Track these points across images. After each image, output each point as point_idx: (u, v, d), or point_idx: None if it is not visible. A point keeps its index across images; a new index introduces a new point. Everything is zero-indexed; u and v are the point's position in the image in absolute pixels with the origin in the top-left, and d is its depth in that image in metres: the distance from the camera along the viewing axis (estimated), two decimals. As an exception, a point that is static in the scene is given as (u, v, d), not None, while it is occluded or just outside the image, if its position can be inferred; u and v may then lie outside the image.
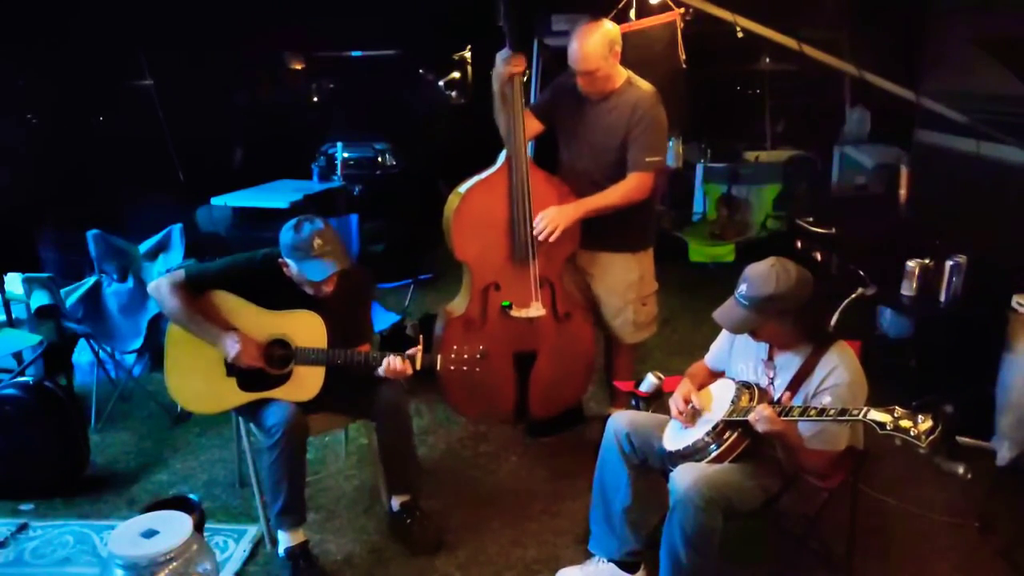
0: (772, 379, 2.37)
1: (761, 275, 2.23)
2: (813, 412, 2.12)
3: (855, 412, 2.03)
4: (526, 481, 3.24)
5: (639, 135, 3.02)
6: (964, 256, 3.37)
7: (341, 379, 2.68)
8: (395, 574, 2.68)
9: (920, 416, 1.91)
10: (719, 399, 2.38)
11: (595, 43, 2.92)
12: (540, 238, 3.02)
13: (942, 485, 3.12)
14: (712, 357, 2.64)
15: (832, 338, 2.32)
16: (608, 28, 2.97)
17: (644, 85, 3.10)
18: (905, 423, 1.92)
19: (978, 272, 3.39)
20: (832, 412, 2.09)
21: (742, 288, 2.26)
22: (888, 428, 1.94)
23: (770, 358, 2.39)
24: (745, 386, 2.33)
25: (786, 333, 2.28)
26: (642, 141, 3.02)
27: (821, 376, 2.24)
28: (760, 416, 2.15)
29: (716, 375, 2.59)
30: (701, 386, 2.52)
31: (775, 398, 2.33)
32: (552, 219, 3.00)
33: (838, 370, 2.22)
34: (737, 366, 2.49)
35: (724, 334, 2.60)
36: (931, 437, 1.88)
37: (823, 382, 2.23)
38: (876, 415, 1.97)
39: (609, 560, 2.56)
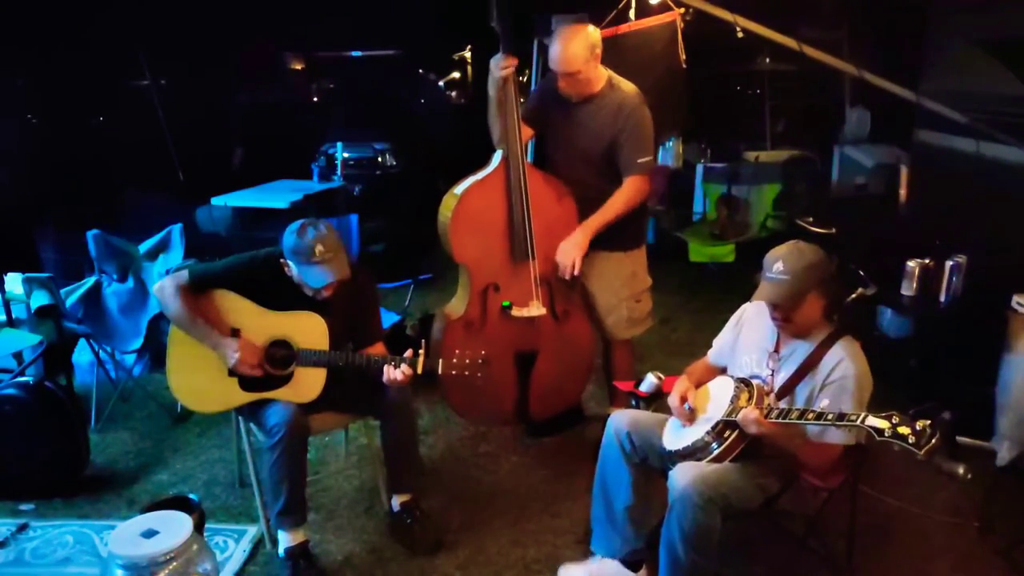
0: (774, 372, 2.37)
1: (792, 250, 2.27)
2: (811, 415, 2.12)
3: (853, 417, 2.03)
4: (526, 481, 3.24)
5: (628, 138, 3.03)
6: (964, 256, 3.37)
7: (347, 377, 2.68)
8: (395, 574, 2.68)
9: (918, 424, 1.91)
10: (718, 398, 2.38)
11: (577, 45, 2.95)
12: (567, 277, 3.07)
13: (942, 485, 3.12)
14: (715, 352, 2.63)
15: (840, 332, 2.32)
16: (589, 31, 3.00)
17: (626, 86, 3.11)
18: (903, 430, 1.92)
19: (978, 272, 3.39)
20: (831, 416, 2.09)
21: (777, 266, 2.26)
22: (886, 435, 1.94)
23: (776, 350, 2.39)
24: (744, 383, 2.33)
25: (816, 312, 2.30)
26: (632, 144, 3.03)
27: (828, 368, 2.25)
28: (747, 419, 2.17)
29: (718, 371, 2.59)
30: (700, 383, 2.52)
31: (775, 391, 2.33)
32: (569, 254, 3.04)
33: (844, 363, 2.23)
34: (741, 359, 2.49)
35: (728, 328, 2.60)
36: (929, 445, 1.88)
37: (830, 375, 2.24)
38: (874, 421, 1.97)
39: (612, 559, 2.56)
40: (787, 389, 2.32)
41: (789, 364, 2.35)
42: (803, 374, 2.30)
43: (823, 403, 2.21)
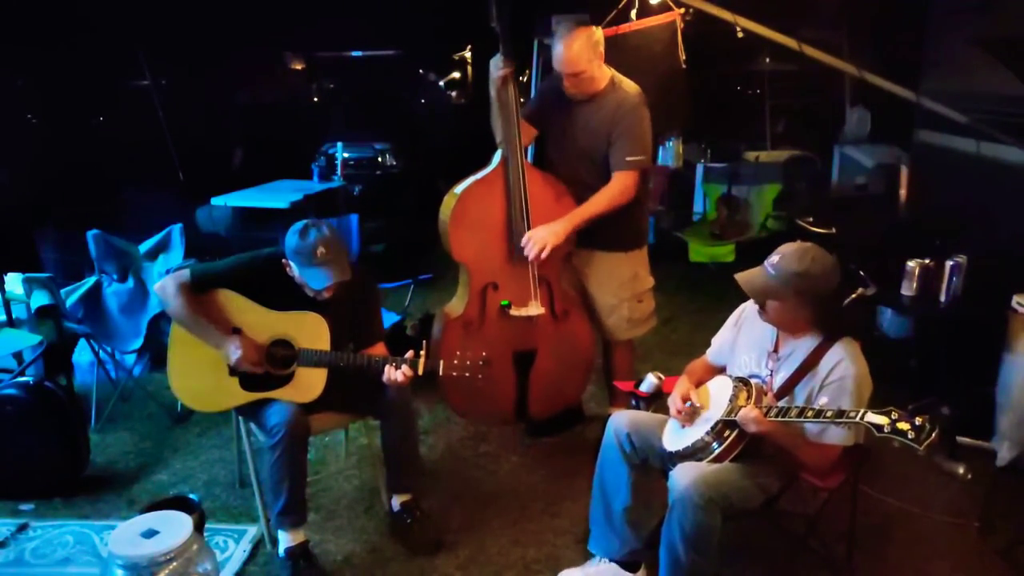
0: (773, 372, 2.36)
1: (797, 251, 2.25)
2: (811, 413, 2.13)
3: (852, 414, 2.03)
4: (526, 481, 3.24)
5: (620, 135, 3.03)
6: (964, 256, 3.37)
7: (346, 378, 2.68)
8: (395, 574, 2.68)
9: (917, 419, 1.91)
10: (717, 397, 2.38)
11: (581, 46, 2.94)
12: (531, 259, 3.03)
13: (942, 485, 3.12)
14: (714, 351, 2.63)
15: (840, 333, 2.31)
16: (592, 30, 3.00)
17: (628, 86, 3.10)
18: (902, 425, 1.92)
19: (978, 272, 3.38)
20: (830, 413, 2.09)
21: (773, 259, 2.27)
22: (886, 431, 1.94)
23: (775, 350, 2.39)
24: (742, 382, 2.33)
25: (799, 317, 2.29)
26: (623, 141, 3.03)
27: (827, 369, 2.24)
28: (746, 417, 2.17)
29: (717, 370, 2.58)
30: (700, 382, 2.52)
31: (773, 391, 2.33)
32: (539, 240, 3.01)
33: (844, 363, 2.22)
34: (740, 358, 2.48)
35: (728, 326, 2.60)
36: (928, 440, 1.89)
37: (829, 375, 2.23)
38: (873, 417, 1.98)
39: (610, 560, 2.56)
40: (786, 389, 2.32)
41: (788, 364, 2.34)
42: (802, 374, 2.29)
43: (822, 401, 2.21)
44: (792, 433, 2.22)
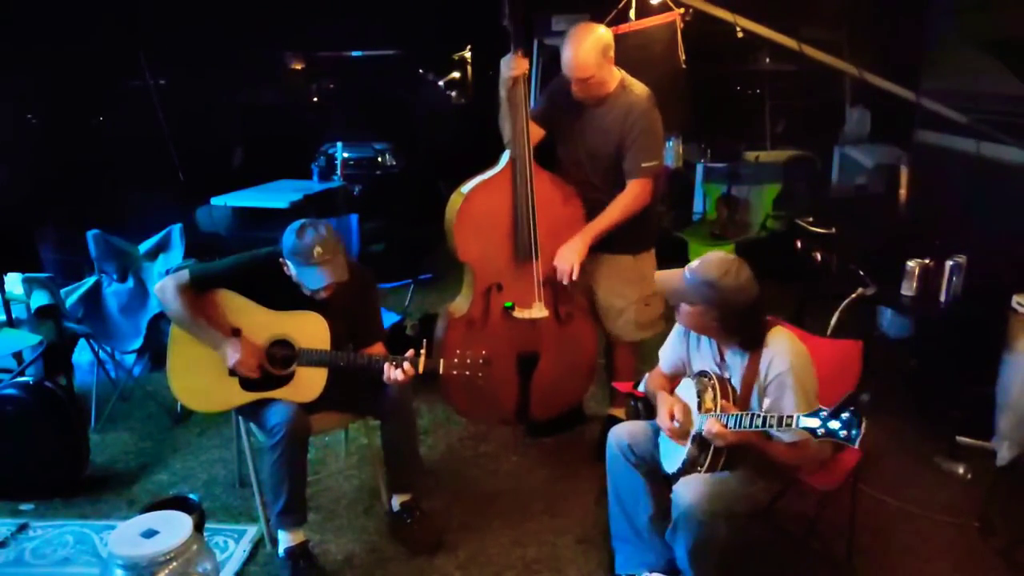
0: (729, 379, 2.33)
1: (717, 262, 2.22)
2: (759, 420, 2.10)
3: (789, 420, 2.02)
4: (526, 481, 3.24)
5: (634, 141, 3.01)
6: (964, 256, 3.37)
7: (346, 377, 2.69)
8: (395, 574, 2.68)
9: (843, 414, 1.91)
10: (690, 404, 2.33)
11: (588, 50, 2.91)
12: (564, 282, 3.03)
13: (942, 485, 3.12)
14: (666, 362, 2.56)
15: (762, 332, 2.26)
16: (600, 33, 2.97)
17: (639, 88, 3.09)
18: (833, 424, 1.91)
19: (978, 272, 3.38)
20: (772, 419, 2.07)
21: (694, 264, 2.25)
22: (820, 434, 1.94)
23: (722, 359, 2.35)
24: (703, 376, 2.30)
25: (705, 324, 2.27)
26: (638, 147, 3.01)
27: (764, 371, 2.22)
28: (710, 433, 2.15)
29: (675, 377, 2.53)
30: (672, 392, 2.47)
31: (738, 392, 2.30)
32: (567, 259, 3.01)
33: (776, 360, 2.20)
34: (698, 370, 2.42)
35: (674, 336, 2.53)
36: (859, 434, 1.88)
37: (767, 375, 2.21)
38: (806, 421, 1.97)
39: (651, 572, 2.48)
40: (742, 405, 2.26)
41: (734, 374, 2.30)
42: (749, 385, 2.26)
43: (766, 404, 2.18)
44: (762, 434, 2.19)
